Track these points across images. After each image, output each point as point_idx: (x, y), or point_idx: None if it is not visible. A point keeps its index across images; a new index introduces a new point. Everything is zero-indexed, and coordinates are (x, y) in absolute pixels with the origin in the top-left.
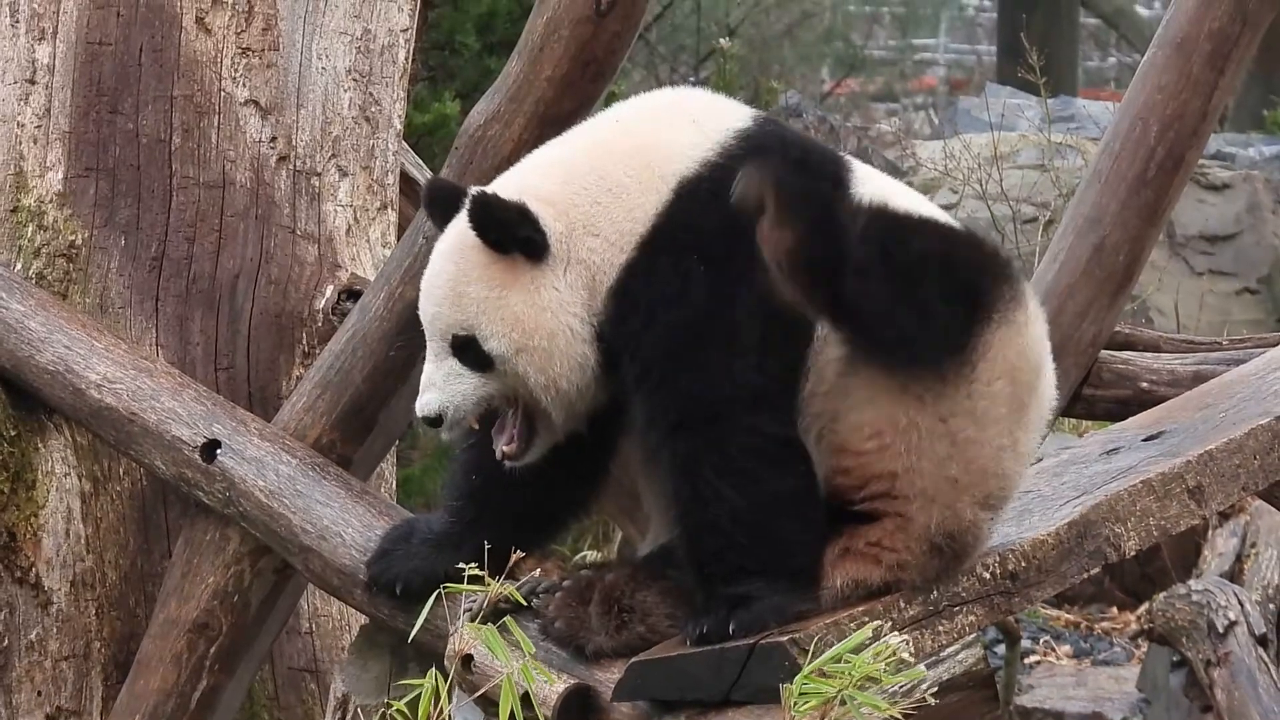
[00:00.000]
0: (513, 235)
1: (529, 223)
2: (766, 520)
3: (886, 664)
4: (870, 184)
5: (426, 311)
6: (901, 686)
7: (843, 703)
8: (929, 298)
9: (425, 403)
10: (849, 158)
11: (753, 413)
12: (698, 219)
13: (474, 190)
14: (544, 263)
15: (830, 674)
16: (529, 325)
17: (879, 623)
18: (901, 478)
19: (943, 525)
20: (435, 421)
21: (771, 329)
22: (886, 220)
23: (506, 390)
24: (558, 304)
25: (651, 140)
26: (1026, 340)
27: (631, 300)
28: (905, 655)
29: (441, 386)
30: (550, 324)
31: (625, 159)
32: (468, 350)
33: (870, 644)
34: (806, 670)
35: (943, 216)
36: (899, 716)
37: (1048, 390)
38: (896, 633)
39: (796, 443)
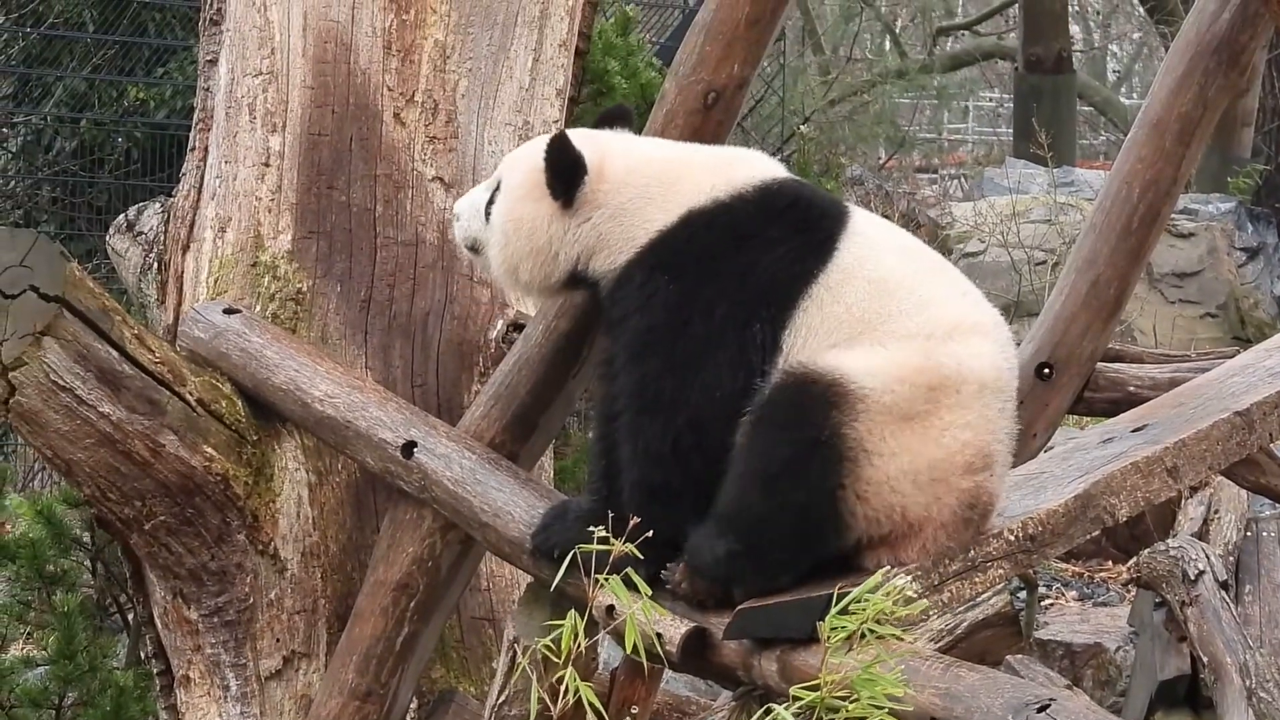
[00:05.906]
0: (553, 175)
1: (571, 178)
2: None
3: (895, 600)
4: (860, 237)
5: (505, 158)
6: (942, 628)
7: (862, 636)
8: (788, 500)
9: (457, 204)
10: (852, 208)
11: (700, 410)
12: (686, 242)
13: (563, 128)
14: (566, 209)
15: (854, 612)
16: (523, 229)
17: (887, 568)
18: (895, 527)
19: (957, 508)
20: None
21: (715, 357)
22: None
23: (481, 241)
24: (557, 237)
25: (694, 178)
26: (897, 399)
27: (621, 292)
28: (910, 593)
29: (467, 206)
30: (540, 243)
31: (668, 185)
32: (491, 198)
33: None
34: (835, 611)
35: (909, 265)
36: (910, 639)
37: (957, 371)
38: (903, 575)
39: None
